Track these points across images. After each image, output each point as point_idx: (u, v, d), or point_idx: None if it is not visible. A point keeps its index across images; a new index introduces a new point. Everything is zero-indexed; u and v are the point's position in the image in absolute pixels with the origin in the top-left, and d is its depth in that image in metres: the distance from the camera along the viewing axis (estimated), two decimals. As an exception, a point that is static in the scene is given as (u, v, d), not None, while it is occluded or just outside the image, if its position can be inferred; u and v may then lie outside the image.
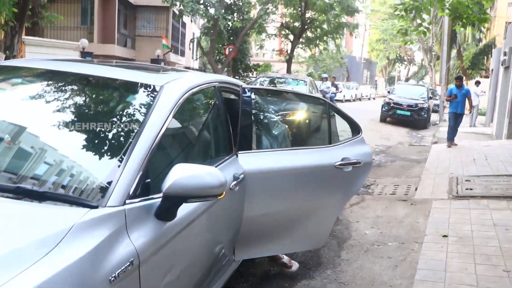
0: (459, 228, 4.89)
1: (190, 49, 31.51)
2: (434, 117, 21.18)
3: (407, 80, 60.07)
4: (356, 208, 5.87)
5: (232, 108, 3.84)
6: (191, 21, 23.69)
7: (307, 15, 29.91)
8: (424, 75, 71.59)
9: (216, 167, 2.78)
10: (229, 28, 24.76)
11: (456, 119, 11.51)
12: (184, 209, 2.17)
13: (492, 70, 18.22)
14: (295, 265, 3.87)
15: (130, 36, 24.64)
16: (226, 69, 25.43)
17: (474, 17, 8.85)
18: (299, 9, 29.53)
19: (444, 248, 4.33)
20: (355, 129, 4.03)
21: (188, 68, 29.11)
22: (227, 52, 23.80)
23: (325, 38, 32.24)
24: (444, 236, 4.66)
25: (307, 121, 4.11)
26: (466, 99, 11.59)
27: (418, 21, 10.37)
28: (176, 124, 2.55)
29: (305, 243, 3.70)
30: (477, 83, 19.77)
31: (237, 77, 28.25)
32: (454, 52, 33.75)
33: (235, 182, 2.89)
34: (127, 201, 1.91)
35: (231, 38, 25.52)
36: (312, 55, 37.46)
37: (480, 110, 19.09)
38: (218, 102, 3.16)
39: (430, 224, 5.09)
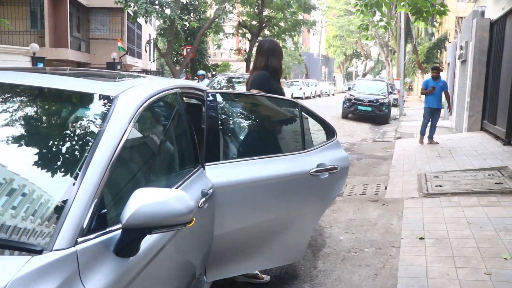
0: (434, 229, 4.76)
1: (146, 51, 30.84)
2: (394, 111, 21.41)
3: (364, 75, 60.99)
4: (327, 211, 5.68)
5: (196, 115, 3.56)
6: (146, 22, 23.12)
7: (264, 13, 29.88)
8: (381, 70, 72.95)
9: (182, 183, 2.50)
10: (186, 28, 24.34)
11: (432, 115, 10.71)
12: (148, 240, 1.88)
13: (448, 63, 18.51)
14: (266, 277, 3.68)
15: (84, 39, 23.86)
16: (184, 70, 24.99)
17: (434, 10, 8.86)
18: (256, 7, 29.42)
19: (423, 251, 4.17)
20: (330, 132, 3.80)
21: (146, 70, 28.50)
22: (185, 53, 23.39)
23: (283, 35, 32.27)
24: (421, 238, 4.51)
25: (278, 125, 3.85)
26: (443, 92, 10.78)
27: (377, 17, 10.38)
28: (135, 138, 2.23)
29: (282, 257, 3.45)
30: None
31: (195, 78, 27.91)
32: (409, 47, 34.39)
33: (203, 199, 2.61)
34: (79, 240, 1.58)
35: (189, 38, 25.13)
36: (271, 53, 37.41)
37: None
38: (180, 109, 2.86)
39: (405, 226, 4.95)
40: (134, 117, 2.13)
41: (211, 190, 2.75)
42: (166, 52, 23.13)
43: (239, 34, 33.83)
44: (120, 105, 2.12)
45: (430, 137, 10.74)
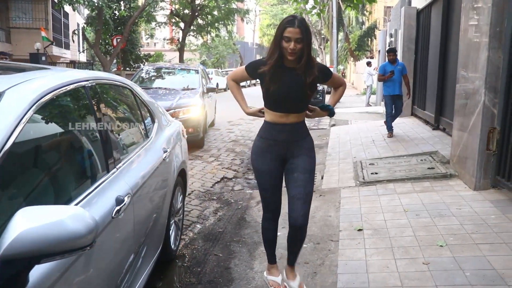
0: (372, 219, 4.71)
1: (74, 41, 29.44)
2: (328, 98, 21.61)
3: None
4: (259, 205, 5.51)
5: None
6: (74, 10, 21.98)
7: (197, 1, 29.37)
8: (315, 58, 73.95)
9: (87, 195, 2.17)
10: (115, 17, 23.38)
11: (394, 103, 9.39)
12: (39, 270, 1.58)
13: (379, 51, 18.89)
14: None
15: (3, 28, 22.28)
16: (115, 60, 24.07)
17: (364, -2, 8.89)
18: (189, -5, 28.81)
19: (361, 244, 4.09)
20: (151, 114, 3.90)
21: (74, 62, 27.23)
22: (115, 43, 22.48)
23: (216, 24, 31.91)
24: (359, 230, 4.44)
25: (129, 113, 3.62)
26: (402, 76, 9.36)
27: (310, 5, 10.31)
28: (24, 142, 1.83)
29: None
30: (369, 63, 20.45)
31: (127, 68, 26.96)
32: (341, 35, 34.99)
33: (118, 207, 2.34)
34: None
35: (119, 28, 24.18)
36: (205, 43, 36.95)
37: (374, 88, 19.82)
38: (89, 105, 2.55)
39: (343, 217, 4.87)
40: (24, 117, 1.80)
41: (129, 195, 2.49)
42: (95, 42, 22.13)
43: (172, 24, 33.06)
44: (5, 102, 1.79)
45: (391, 129, 9.42)
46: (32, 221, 1.38)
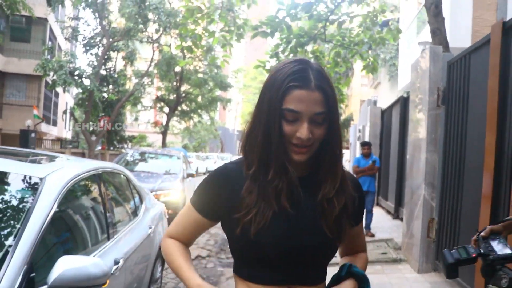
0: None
1: (63, 120, 30.52)
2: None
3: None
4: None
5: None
6: (64, 91, 23.15)
7: (182, 88, 30.83)
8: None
9: (100, 251, 2.97)
10: (104, 99, 24.58)
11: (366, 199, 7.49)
12: None
13: (351, 143, 20.20)
14: None
15: (-4, 104, 23.26)
16: (101, 140, 24.95)
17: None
18: (175, 83, 30.37)
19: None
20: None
21: (60, 139, 28.02)
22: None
23: (199, 111, 33.31)
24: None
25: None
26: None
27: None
28: (59, 214, 2.60)
29: None
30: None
31: (111, 148, 27.81)
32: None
33: (116, 267, 3.05)
34: None
35: (106, 109, 25.31)
36: (187, 127, 38.27)
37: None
38: (98, 188, 3.39)
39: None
40: (60, 197, 2.57)
41: (122, 259, 3.23)
42: (83, 122, 23.10)
43: (157, 108, 34.46)
44: (47, 186, 2.55)
45: (367, 227, 8.66)
46: (68, 266, 2.13)
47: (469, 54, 5.36)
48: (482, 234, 2.09)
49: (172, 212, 9.46)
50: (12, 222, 2.34)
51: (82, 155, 22.40)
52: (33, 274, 2.13)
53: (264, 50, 13.68)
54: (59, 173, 2.81)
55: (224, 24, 9.70)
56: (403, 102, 10.04)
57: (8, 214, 2.43)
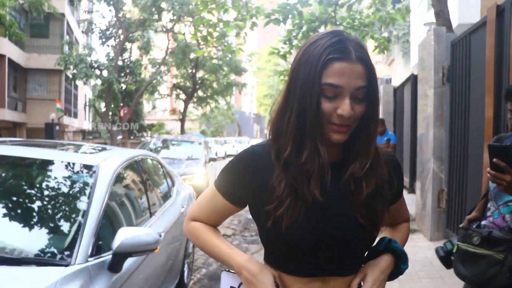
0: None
1: (85, 111, 31.34)
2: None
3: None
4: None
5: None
6: (84, 83, 23.80)
7: (198, 75, 31.20)
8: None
9: (147, 223, 3.51)
10: (123, 90, 25.14)
11: None
12: (129, 261, 2.79)
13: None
14: None
15: (20, 99, 23.99)
16: (121, 130, 25.59)
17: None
18: (190, 70, 30.78)
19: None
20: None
21: (83, 130, 28.78)
22: (122, 114, 24.07)
23: (215, 96, 33.72)
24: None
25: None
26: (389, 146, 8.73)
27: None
28: (113, 195, 3.12)
29: None
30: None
31: (132, 137, 28.49)
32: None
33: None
34: (89, 259, 2.45)
35: (125, 99, 25.89)
36: (204, 113, 38.73)
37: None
38: (140, 171, 3.90)
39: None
40: (112, 179, 3.07)
41: (163, 233, 3.74)
42: (104, 113, 23.72)
43: (174, 95, 34.92)
44: (102, 172, 3.06)
45: None
46: (127, 235, 2.59)
47: (470, 35, 5.73)
48: (461, 225, 2.63)
49: (196, 195, 10.02)
50: (79, 202, 2.86)
51: (104, 145, 23.00)
52: (100, 242, 2.64)
53: (276, 32, 13.97)
54: (109, 161, 3.34)
55: (238, 13, 10.08)
56: (414, 80, 10.37)
57: (75, 196, 2.96)
